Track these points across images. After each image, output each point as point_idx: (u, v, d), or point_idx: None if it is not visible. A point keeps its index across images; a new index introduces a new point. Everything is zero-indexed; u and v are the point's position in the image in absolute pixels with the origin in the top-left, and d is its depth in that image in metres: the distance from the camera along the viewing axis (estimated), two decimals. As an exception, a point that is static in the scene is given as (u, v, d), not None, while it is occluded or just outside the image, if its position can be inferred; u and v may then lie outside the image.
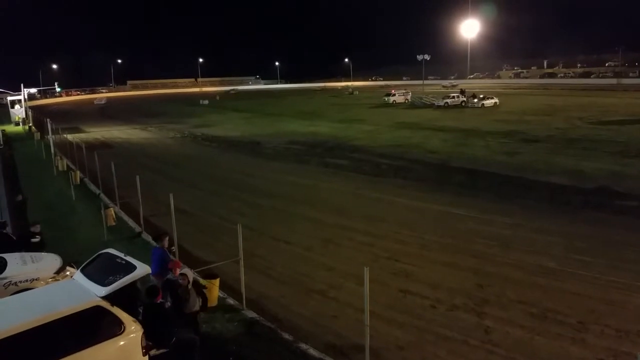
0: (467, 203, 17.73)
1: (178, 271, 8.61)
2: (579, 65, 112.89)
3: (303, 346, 8.65)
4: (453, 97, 57.58)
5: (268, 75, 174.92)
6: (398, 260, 12.68)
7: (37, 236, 12.13)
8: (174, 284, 8.47)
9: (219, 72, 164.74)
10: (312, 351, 8.50)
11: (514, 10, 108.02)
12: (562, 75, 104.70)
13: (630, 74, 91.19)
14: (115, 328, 6.98)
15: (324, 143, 33.21)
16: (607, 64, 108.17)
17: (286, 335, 9.02)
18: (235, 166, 27.23)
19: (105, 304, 7.04)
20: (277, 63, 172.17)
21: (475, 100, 54.64)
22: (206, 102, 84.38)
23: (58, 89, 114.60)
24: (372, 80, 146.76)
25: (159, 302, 7.71)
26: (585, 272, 11.48)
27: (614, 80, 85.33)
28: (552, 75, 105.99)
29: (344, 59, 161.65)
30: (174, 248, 11.65)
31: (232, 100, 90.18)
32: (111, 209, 16.04)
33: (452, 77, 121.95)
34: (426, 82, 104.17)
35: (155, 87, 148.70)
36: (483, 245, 13.51)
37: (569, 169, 22.12)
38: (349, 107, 63.10)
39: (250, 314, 9.88)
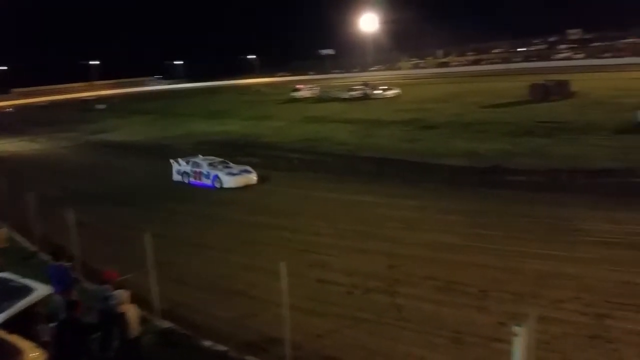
0: (376, 190, 18.43)
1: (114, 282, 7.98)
2: (469, 53, 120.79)
3: (223, 348, 8.53)
4: (357, 89, 59.18)
5: (170, 75, 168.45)
6: (314, 251, 12.91)
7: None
8: (109, 309, 7.62)
9: (117, 74, 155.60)
10: (232, 352, 8.42)
11: (410, 3, 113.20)
12: (455, 63, 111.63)
13: (514, 60, 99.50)
14: (11, 359, 6.42)
15: (235, 141, 32.78)
16: (492, 51, 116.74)
17: (205, 341, 8.84)
18: (137, 171, 26.09)
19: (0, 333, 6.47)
20: (178, 62, 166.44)
21: (379, 91, 56.60)
22: (103, 106, 79.33)
23: None
24: (279, 76, 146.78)
25: (76, 317, 7.29)
26: (486, 245, 12.46)
27: (502, 66, 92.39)
28: (446, 64, 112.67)
29: (250, 55, 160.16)
30: (69, 264, 10.72)
31: (134, 103, 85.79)
32: (1, 230, 14.65)
33: (355, 70, 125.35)
34: (331, 76, 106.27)
35: (45, 93, 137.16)
36: (393, 229, 14.14)
37: (466, 151, 23.70)
38: (257, 104, 62.66)
39: (166, 323, 9.55)
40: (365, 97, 56.28)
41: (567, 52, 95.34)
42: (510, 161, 20.86)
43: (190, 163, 22.16)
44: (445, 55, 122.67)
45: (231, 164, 22.01)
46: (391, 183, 19.41)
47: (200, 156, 23.04)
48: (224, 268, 12.41)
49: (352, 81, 76.65)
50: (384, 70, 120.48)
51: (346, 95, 58.01)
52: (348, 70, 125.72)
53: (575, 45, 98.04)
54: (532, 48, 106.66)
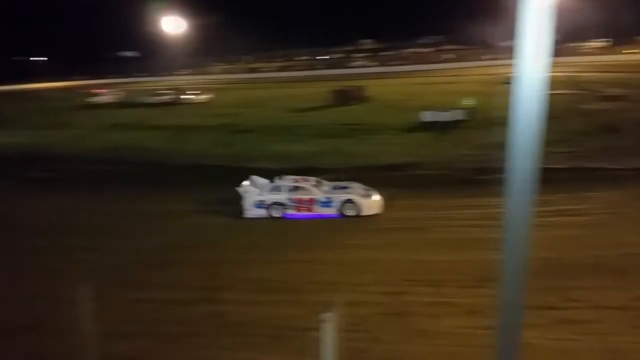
0: (189, 199, 17.96)
1: None
2: (277, 60, 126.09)
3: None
4: (165, 93, 56.81)
5: None
6: (126, 270, 11.97)
7: None
8: None
9: None
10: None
11: (218, 7, 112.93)
12: (264, 69, 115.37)
13: (317, 67, 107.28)
14: None
15: (22, 155, 28.51)
16: (297, 59, 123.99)
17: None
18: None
19: None
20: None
21: (189, 96, 55.20)
22: None
23: None
24: (75, 80, 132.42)
25: None
26: (298, 242, 13.09)
27: (306, 73, 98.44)
28: (255, 70, 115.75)
29: (38, 57, 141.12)
30: None
31: None
32: None
33: (162, 74, 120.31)
34: (135, 79, 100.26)
35: None
36: (212, 236, 14.05)
37: (278, 154, 24.62)
38: (49, 111, 55.51)
39: None
40: (175, 102, 54.39)
41: (363, 60, 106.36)
42: (320, 161, 22.33)
43: (284, 188, 16.09)
44: (255, 60, 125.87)
45: (329, 183, 16.78)
46: (204, 190, 19.00)
47: (255, 177, 17.22)
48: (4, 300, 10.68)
49: (159, 85, 73.40)
50: (194, 75, 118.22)
51: (153, 100, 55.14)
52: (154, 73, 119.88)
53: (369, 54, 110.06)
54: (335, 56, 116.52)
